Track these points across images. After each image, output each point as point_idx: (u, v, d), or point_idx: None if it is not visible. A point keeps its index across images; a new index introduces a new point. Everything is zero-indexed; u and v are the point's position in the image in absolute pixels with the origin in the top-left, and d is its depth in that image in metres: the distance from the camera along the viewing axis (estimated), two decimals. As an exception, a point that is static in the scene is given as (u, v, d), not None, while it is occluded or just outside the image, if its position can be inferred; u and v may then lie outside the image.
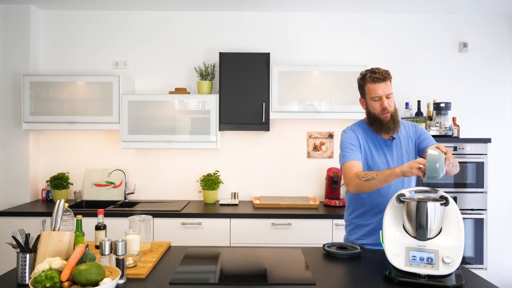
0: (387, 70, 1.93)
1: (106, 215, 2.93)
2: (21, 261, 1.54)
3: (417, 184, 3.14)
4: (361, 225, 2.05)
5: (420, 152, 2.03)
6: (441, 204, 1.57)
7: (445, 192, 1.65)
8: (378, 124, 1.95)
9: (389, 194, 1.94)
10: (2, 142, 3.47)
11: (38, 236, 1.61)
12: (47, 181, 3.52)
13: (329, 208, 3.27)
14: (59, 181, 3.45)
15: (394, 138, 1.99)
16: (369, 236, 2.03)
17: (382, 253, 1.87)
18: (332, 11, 3.65)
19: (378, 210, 1.98)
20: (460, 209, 2.98)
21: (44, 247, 1.57)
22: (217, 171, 3.55)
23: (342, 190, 3.54)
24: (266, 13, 3.66)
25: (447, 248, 1.53)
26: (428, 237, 1.57)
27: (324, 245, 1.97)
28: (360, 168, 1.92)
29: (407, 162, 1.77)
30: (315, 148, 3.67)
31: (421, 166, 1.63)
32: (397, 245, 1.59)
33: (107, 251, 1.55)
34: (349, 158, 1.94)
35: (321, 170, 3.65)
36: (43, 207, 3.26)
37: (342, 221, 3.01)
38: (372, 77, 1.91)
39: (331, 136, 3.66)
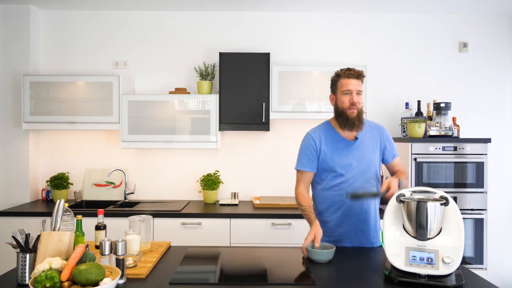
0: (360, 71, 2.04)
1: (106, 215, 2.93)
2: (21, 261, 1.54)
3: (417, 184, 3.14)
4: (322, 221, 2.09)
5: (382, 161, 2.14)
6: (441, 204, 1.57)
7: (445, 192, 1.65)
8: (344, 119, 2.01)
9: (350, 186, 2.02)
10: (2, 142, 3.47)
11: (38, 236, 1.61)
12: (47, 181, 3.52)
13: (329, 208, 3.26)
14: (59, 181, 3.45)
15: (357, 139, 2.05)
16: (329, 232, 2.08)
17: (382, 253, 1.87)
18: (332, 11, 3.65)
19: (337, 207, 2.06)
20: (460, 209, 2.97)
21: (44, 247, 1.57)
22: (217, 171, 3.55)
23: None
24: (266, 13, 3.66)
25: (447, 248, 1.54)
26: (428, 237, 1.57)
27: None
28: (307, 179, 2.13)
29: (318, 229, 1.92)
30: (315, 148, 3.66)
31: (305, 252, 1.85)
32: (397, 245, 1.59)
33: (107, 251, 1.55)
34: (299, 166, 2.15)
35: (321, 170, 3.64)
36: (43, 207, 3.25)
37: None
38: (346, 73, 2.02)
39: (331, 136, 3.65)
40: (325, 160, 2.05)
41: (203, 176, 3.55)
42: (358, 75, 2.02)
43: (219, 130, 3.33)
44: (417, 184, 3.13)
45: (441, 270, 1.50)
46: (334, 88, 2.09)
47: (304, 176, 2.13)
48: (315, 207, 2.18)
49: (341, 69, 2.08)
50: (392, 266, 1.58)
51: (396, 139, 3.32)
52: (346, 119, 2.00)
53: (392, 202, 1.69)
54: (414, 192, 1.71)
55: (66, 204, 1.83)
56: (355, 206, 2.03)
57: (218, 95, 3.33)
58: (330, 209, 2.08)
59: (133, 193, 3.57)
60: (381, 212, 2.07)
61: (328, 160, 2.05)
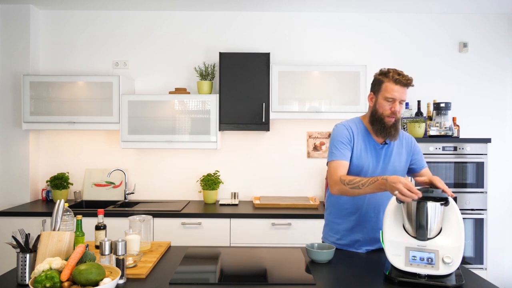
0: (411, 78, 1.85)
1: (106, 215, 2.93)
2: (21, 261, 1.54)
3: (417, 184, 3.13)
4: (334, 223, 2.03)
5: (410, 171, 2.02)
6: (441, 204, 1.57)
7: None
8: (380, 126, 1.87)
9: (365, 197, 1.91)
10: (2, 142, 3.47)
11: (38, 236, 1.61)
12: (47, 181, 3.52)
13: (329, 208, 3.26)
14: (59, 181, 3.45)
15: (386, 144, 1.94)
16: (340, 235, 2.00)
17: (382, 253, 1.87)
18: (332, 11, 3.65)
19: (351, 211, 1.95)
20: (460, 209, 2.97)
21: (44, 247, 1.57)
22: (217, 171, 3.55)
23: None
24: (266, 13, 3.66)
25: (447, 248, 1.53)
26: (428, 237, 1.57)
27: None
28: (346, 168, 1.88)
29: (396, 175, 1.65)
30: (315, 148, 3.67)
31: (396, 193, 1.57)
32: (397, 245, 1.59)
33: (107, 251, 1.55)
34: (336, 157, 1.88)
35: (321, 170, 3.65)
36: (43, 207, 3.25)
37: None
38: (395, 78, 1.82)
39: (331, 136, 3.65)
40: (353, 157, 1.91)
41: (203, 176, 3.55)
42: (407, 82, 1.82)
43: (219, 130, 3.33)
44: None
45: (441, 270, 1.50)
46: (377, 89, 1.89)
47: (340, 164, 1.87)
48: (327, 207, 2.09)
49: (388, 69, 1.87)
50: (392, 266, 1.58)
51: (396, 139, 3.32)
52: (383, 126, 1.86)
53: (392, 202, 1.69)
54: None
55: (66, 204, 1.83)
56: (371, 212, 1.94)
57: (218, 95, 3.33)
58: (344, 212, 1.98)
59: (133, 193, 3.57)
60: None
61: (355, 159, 1.90)
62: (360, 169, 1.91)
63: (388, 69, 1.89)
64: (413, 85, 1.86)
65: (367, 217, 1.94)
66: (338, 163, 1.87)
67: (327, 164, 1.94)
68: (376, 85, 1.90)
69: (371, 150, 1.93)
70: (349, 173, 1.91)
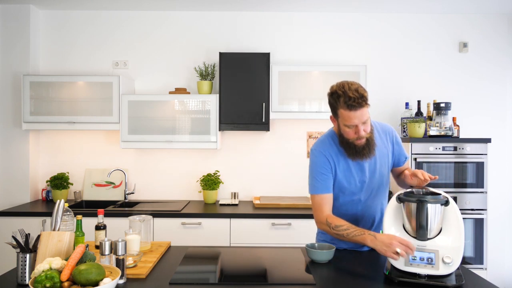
0: (363, 94, 1.64)
1: (106, 215, 2.93)
2: (21, 261, 1.54)
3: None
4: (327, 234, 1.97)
5: (394, 165, 1.96)
6: (441, 204, 1.57)
7: (445, 192, 1.65)
8: (352, 151, 1.75)
9: (360, 202, 1.90)
10: (2, 142, 3.47)
11: (38, 236, 1.61)
12: (47, 181, 3.52)
13: (329, 208, 3.26)
14: (59, 181, 3.45)
15: None
16: (338, 239, 1.93)
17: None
18: (332, 11, 3.65)
19: (348, 217, 1.90)
20: (460, 209, 2.98)
21: (44, 247, 1.57)
22: (217, 171, 3.55)
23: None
24: (266, 13, 3.66)
25: (447, 248, 1.53)
26: (428, 237, 1.57)
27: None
28: (331, 201, 1.84)
29: (388, 234, 1.61)
30: (315, 148, 3.66)
31: (398, 251, 1.51)
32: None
33: (107, 251, 1.55)
34: (318, 190, 1.83)
35: (321, 170, 3.64)
36: (43, 207, 3.25)
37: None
38: (346, 103, 1.64)
39: (331, 136, 3.65)
40: (338, 180, 1.85)
41: (203, 176, 3.55)
42: (362, 104, 1.63)
43: (219, 130, 3.33)
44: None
45: (441, 270, 1.50)
46: (334, 114, 1.74)
47: (325, 199, 1.83)
48: None
49: (339, 90, 1.67)
50: (392, 266, 1.58)
51: (396, 139, 3.32)
52: (355, 150, 1.74)
53: (392, 202, 1.69)
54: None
55: (66, 204, 1.83)
56: (367, 222, 1.93)
57: (218, 95, 3.33)
58: (342, 218, 1.90)
59: (133, 193, 3.57)
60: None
61: (341, 181, 1.85)
62: (347, 186, 1.87)
63: (337, 88, 1.69)
64: (368, 103, 1.66)
65: (365, 226, 1.93)
66: (322, 198, 1.83)
67: (309, 192, 1.90)
68: (332, 109, 1.76)
69: (355, 166, 1.85)
70: (336, 192, 1.87)
